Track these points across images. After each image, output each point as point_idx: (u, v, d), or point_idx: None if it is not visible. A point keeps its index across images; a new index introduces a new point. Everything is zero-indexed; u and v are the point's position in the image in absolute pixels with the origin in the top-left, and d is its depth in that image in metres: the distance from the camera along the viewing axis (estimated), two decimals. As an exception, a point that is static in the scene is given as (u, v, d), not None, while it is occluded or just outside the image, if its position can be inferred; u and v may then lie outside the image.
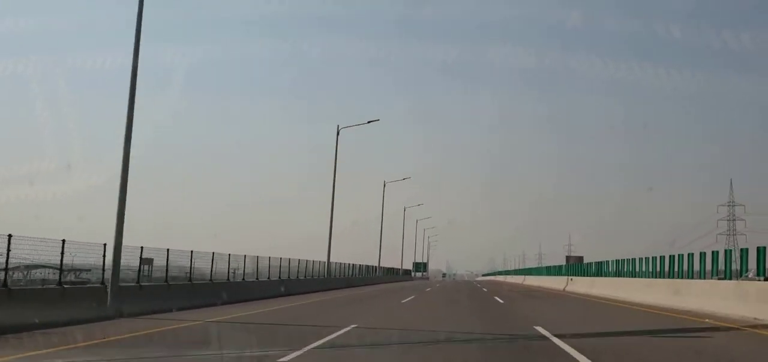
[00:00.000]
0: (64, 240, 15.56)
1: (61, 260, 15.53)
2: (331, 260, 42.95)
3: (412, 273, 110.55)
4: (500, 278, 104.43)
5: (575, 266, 45.58)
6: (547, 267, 62.50)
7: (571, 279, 39.70)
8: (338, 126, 42.21)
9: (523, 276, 69.66)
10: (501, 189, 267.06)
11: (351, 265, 50.36)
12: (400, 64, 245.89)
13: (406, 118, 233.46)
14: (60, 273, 15.86)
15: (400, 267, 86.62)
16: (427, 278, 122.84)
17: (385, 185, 65.50)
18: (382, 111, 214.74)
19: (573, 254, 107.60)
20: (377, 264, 67.51)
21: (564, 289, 38.64)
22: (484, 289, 43.71)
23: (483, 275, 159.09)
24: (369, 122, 45.17)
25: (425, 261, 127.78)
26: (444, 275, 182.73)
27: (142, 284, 19.25)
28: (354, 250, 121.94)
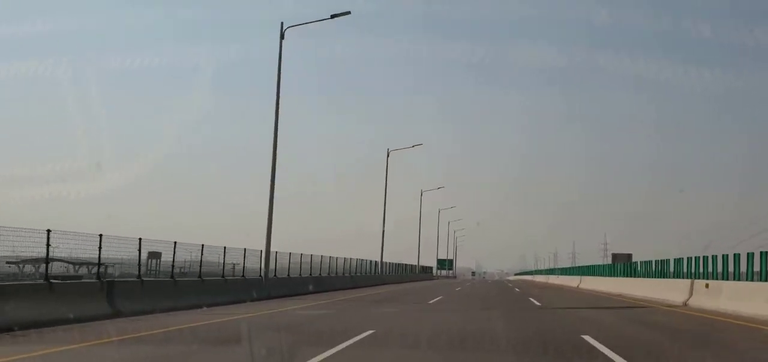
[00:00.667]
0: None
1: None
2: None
3: (436, 271, 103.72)
4: (529, 278, 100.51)
5: (618, 266, 39.45)
6: (578, 266, 56.74)
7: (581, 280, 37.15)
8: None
9: (545, 276, 68.85)
10: (531, 187, 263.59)
11: (358, 262, 45.72)
12: (427, 62, 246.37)
13: (435, 117, 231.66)
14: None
15: (417, 263, 78.99)
16: (454, 277, 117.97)
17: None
18: (410, 110, 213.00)
19: (613, 251, 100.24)
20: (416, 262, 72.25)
21: (578, 287, 39.35)
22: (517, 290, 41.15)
23: (515, 274, 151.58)
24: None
25: (451, 258, 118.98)
26: (473, 274, 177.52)
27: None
28: (394, 250, 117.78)
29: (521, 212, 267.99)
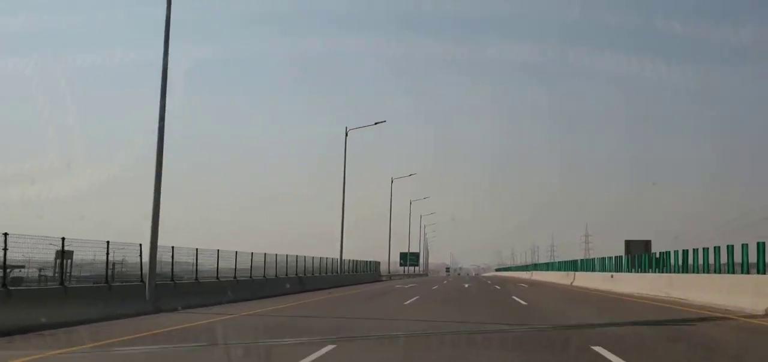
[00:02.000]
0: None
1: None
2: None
3: (388, 269, 75.77)
4: (509, 274, 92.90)
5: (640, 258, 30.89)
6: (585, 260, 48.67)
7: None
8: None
9: (529, 272, 63.66)
10: (506, 182, 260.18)
11: (313, 260, 36.48)
12: (402, 59, 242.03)
13: (408, 112, 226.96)
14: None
15: (387, 259, 70.88)
16: (424, 274, 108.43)
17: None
18: (383, 104, 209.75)
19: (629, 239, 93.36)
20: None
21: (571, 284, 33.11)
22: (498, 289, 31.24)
23: (495, 270, 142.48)
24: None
25: (417, 251, 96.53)
26: (448, 270, 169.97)
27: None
28: (358, 245, 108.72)
29: (496, 207, 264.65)
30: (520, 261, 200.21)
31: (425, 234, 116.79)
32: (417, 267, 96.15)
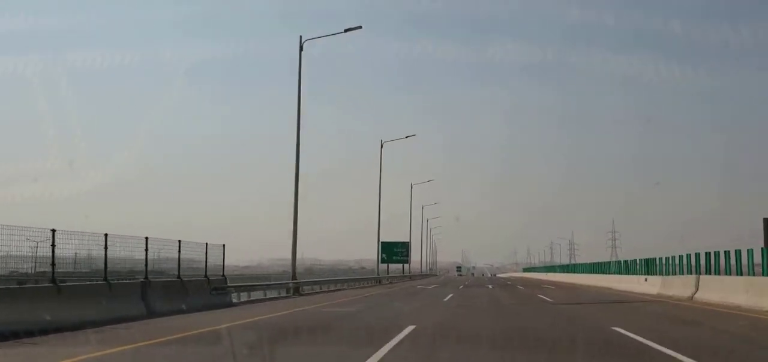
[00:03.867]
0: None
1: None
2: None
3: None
4: (538, 276, 78.61)
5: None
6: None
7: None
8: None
9: (568, 275, 52.13)
10: (517, 181, 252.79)
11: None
12: (416, 62, 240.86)
13: (417, 112, 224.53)
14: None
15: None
16: (433, 274, 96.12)
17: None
18: (392, 104, 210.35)
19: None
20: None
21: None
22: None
23: (524, 270, 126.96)
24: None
25: (404, 241, 75.03)
26: (459, 269, 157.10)
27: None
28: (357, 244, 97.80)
29: (507, 206, 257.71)
30: (535, 260, 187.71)
31: (431, 232, 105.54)
32: (406, 264, 76.07)
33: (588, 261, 56.84)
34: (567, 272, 60.08)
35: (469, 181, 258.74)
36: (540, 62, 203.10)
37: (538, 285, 42.02)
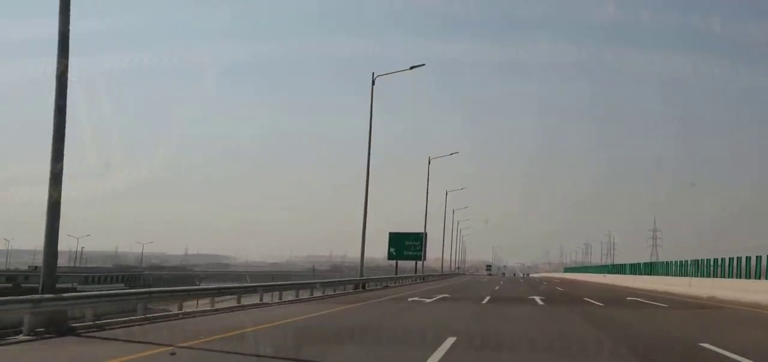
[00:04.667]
0: None
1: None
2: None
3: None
4: (583, 278, 62.25)
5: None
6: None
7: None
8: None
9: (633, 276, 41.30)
10: (548, 179, 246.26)
11: None
12: (447, 61, 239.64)
13: (445, 110, 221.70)
14: None
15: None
16: (458, 273, 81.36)
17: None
18: (419, 101, 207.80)
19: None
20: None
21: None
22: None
23: (564, 270, 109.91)
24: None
25: (418, 232, 60.37)
26: (489, 268, 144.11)
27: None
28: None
29: (541, 205, 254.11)
30: (568, 260, 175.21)
31: (460, 231, 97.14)
32: (419, 261, 60.20)
33: (626, 262, 50.62)
34: (622, 273, 44.09)
35: (500, 180, 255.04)
36: (575, 61, 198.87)
37: (622, 299, 25.64)
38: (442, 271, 76.86)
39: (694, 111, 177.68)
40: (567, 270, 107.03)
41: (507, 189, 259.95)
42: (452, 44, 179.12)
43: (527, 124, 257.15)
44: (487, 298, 23.73)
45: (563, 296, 27.40)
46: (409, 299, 22.70)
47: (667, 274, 34.35)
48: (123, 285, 58.45)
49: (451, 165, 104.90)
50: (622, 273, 47.65)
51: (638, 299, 24.24)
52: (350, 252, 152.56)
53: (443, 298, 23.61)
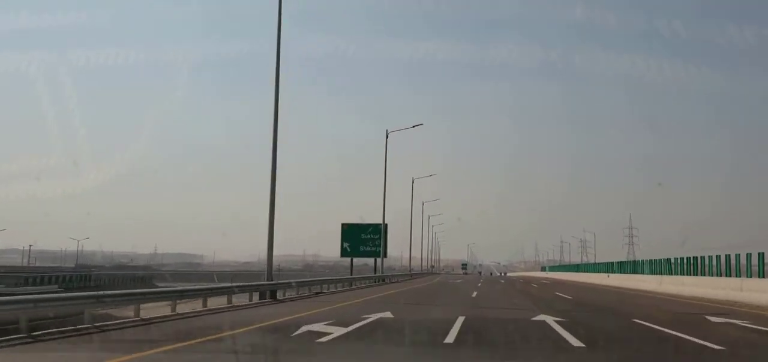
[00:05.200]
0: None
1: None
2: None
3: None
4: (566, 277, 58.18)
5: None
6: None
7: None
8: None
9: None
10: (522, 178, 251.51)
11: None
12: (423, 61, 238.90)
13: (423, 111, 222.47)
14: None
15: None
16: (416, 274, 69.15)
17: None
18: (399, 104, 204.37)
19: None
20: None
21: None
22: None
23: (549, 268, 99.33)
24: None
25: (377, 223, 48.33)
26: (464, 266, 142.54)
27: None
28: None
29: (515, 204, 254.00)
30: (543, 259, 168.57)
31: (432, 228, 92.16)
32: (377, 259, 48.92)
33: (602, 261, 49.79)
34: (635, 272, 32.95)
35: (474, 180, 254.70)
36: (542, 63, 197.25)
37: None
38: (410, 271, 65.71)
39: (660, 112, 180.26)
40: (552, 268, 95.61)
41: (481, 188, 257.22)
42: (423, 42, 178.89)
43: (501, 124, 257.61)
44: (459, 324, 12.08)
45: (598, 314, 16.01)
46: (304, 328, 10.94)
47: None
48: (57, 286, 48.63)
49: (423, 164, 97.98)
50: (635, 273, 36.56)
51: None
52: (323, 252, 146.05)
53: (374, 324, 11.99)
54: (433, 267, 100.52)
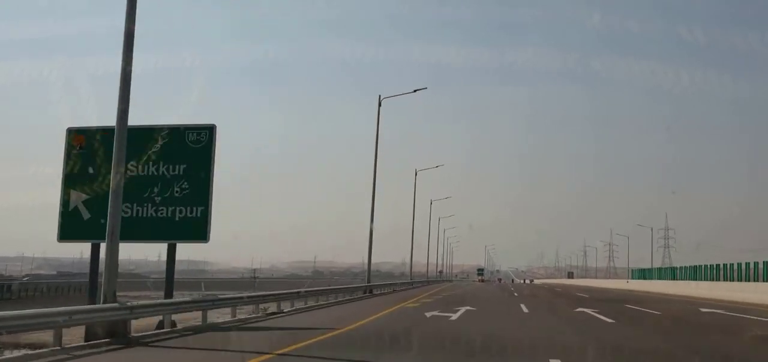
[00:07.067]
0: None
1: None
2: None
3: None
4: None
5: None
6: None
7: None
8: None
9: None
10: (541, 183, 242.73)
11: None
12: (439, 64, 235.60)
13: (439, 115, 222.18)
14: None
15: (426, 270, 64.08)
16: (440, 279, 70.98)
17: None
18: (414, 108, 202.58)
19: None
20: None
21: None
22: None
23: (635, 276, 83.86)
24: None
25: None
26: (481, 272, 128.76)
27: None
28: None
29: (534, 209, 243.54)
30: (564, 264, 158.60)
31: (446, 236, 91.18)
32: (190, 241, 23.89)
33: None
34: None
35: (492, 184, 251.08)
36: (560, 68, 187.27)
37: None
38: (411, 279, 56.55)
39: (679, 118, 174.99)
40: (639, 275, 75.18)
41: (499, 192, 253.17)
42: (443, 47, 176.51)
43: (520, 129, 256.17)
44: None
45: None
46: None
47: None
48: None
49: (440, 168, 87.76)
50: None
51: None
52: (338, 260, 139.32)
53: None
54: (440, 273, 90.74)
